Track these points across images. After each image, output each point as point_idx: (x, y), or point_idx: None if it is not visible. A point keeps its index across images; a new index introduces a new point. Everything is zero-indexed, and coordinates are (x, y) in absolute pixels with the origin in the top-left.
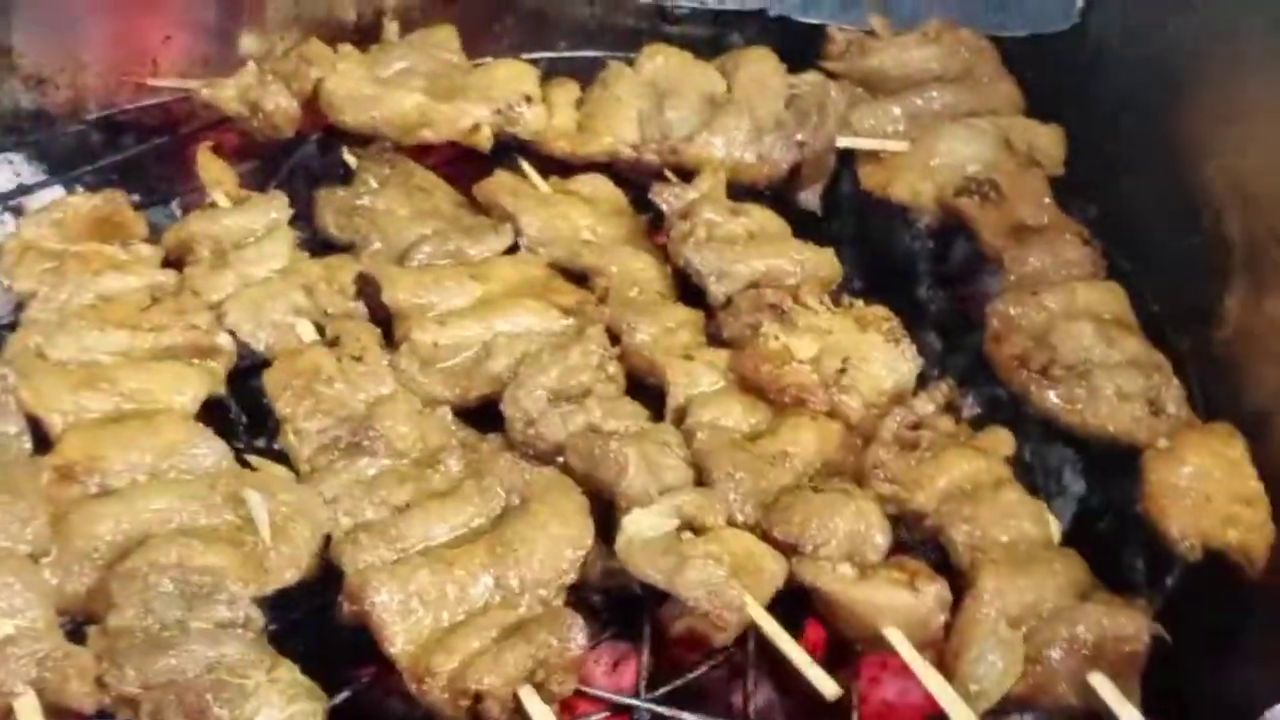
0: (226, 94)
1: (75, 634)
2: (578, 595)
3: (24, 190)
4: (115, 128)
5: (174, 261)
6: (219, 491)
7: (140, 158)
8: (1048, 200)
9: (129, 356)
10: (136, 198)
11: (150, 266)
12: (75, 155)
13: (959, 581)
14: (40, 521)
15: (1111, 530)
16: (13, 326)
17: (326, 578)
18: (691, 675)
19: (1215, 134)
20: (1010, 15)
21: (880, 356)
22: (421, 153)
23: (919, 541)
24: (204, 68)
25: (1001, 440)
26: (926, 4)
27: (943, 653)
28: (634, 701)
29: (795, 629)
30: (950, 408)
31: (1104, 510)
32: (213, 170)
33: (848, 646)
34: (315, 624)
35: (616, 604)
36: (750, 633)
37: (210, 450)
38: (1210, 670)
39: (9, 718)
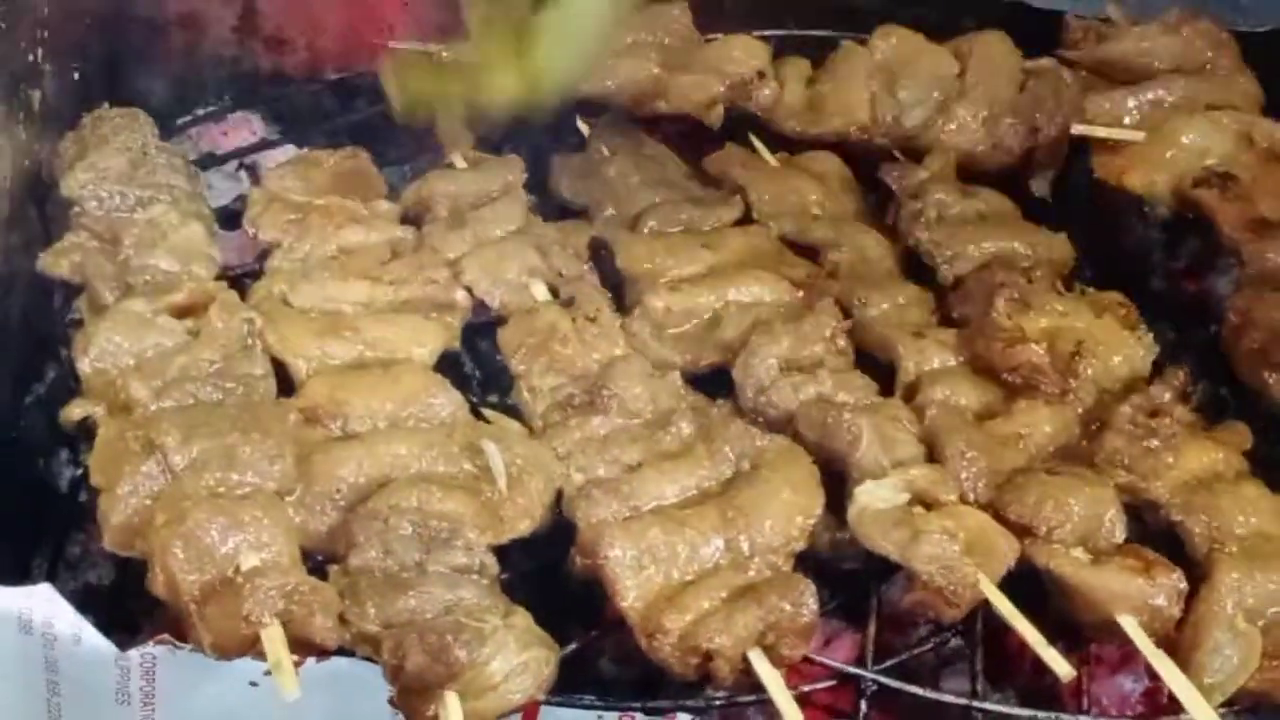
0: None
1: (315, 572)
2: (799, 567)
3: (263, 145)
4: (350, 90)
5: (411, 219)
6: (456, 441)
7: (373, 119)
8: None
9: (369, 307)
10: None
11: (389, 222)
12: (310, 115)
13: (1194, 573)
14: (287, 461)
15: None
16: (256, 275)
17: (552, 533)
18: (918, 650)
19: None
20: (1247, 8)
21: (1115, 342)
22: (647, 126)
23: (1151, 532)
24: (439, 34)
25: (1239, 434)
26: None
27: (1174, 645)
28: (862, 672)
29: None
30: (1185, 396)
31: None
32: (450, 131)
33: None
34: (539, 577)
35: (833, 578)
36: (977, 612)
37: (448, 401)
38: None
39: (254, 647)
